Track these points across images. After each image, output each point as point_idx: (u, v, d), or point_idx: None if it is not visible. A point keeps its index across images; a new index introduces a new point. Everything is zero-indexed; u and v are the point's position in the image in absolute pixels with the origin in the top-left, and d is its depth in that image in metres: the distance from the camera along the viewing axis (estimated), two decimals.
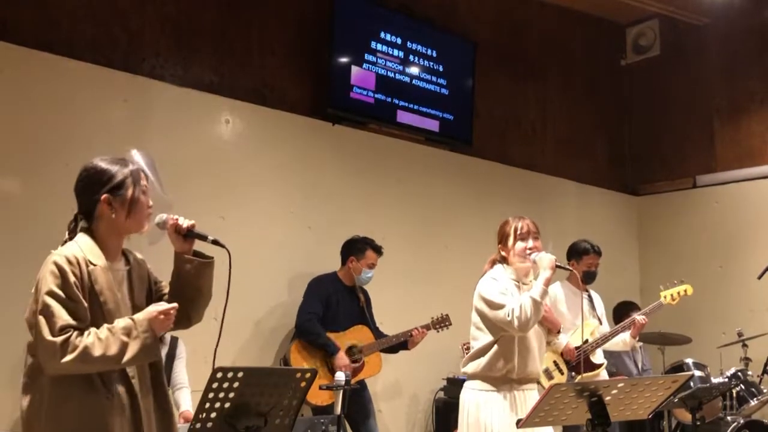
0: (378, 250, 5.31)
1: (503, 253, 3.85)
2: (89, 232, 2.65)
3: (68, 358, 2.41)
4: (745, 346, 5.99)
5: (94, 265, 2.57)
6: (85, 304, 2.50)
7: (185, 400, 4.43)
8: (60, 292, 2.47)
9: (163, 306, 2.58)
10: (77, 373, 2.48)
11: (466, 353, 3.91)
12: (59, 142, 4.64)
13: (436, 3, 6.84)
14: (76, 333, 2.45)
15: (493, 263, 3.91)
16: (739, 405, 5.48)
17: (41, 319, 2.45)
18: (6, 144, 4.45)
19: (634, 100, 8.41)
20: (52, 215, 4.54)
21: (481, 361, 3.73)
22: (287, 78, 5.85)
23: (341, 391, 3.56)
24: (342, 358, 5.01)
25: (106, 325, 2.51)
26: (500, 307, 3.63)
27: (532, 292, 3.64)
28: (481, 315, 3.76)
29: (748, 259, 6.94)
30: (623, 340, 5.13)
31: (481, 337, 3.76)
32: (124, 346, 2.47)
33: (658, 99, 8.20)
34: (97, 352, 2.43)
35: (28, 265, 4.36)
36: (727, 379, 5.40)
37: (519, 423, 3.13)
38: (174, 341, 4.49)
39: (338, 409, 3.55)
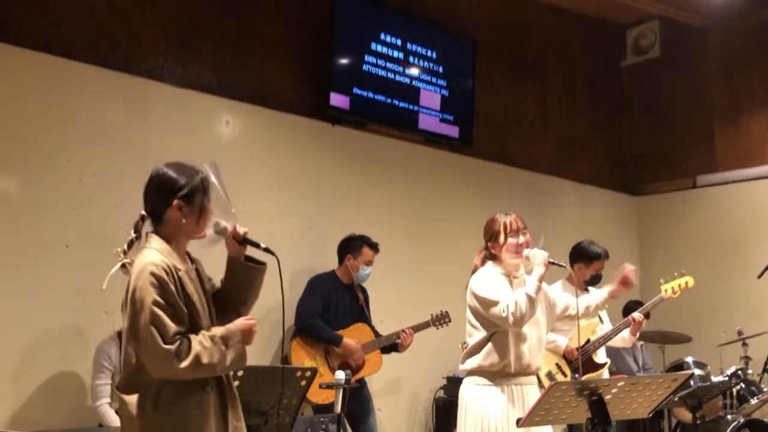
0: (374, 247, 5.32)
1: (493, 251, 3.86)
2: (161, 234, 2.73)
3: (184, 364, 2.52)
4: (745, 344, 6.00)
5: (182, 270, 2.66)
6: (185, 310, 2.60)
7: None
8: (164, 302, 2.56)
9: (252, 320, 2.72)
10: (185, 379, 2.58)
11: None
12: (59, 142, 4.65)
13: (436, 4, 6.85)
14: (184, 340, 2.55)
15: (483, 259, 3.92)
16: (740, 404, 5.48)
17: (152, 329, 2.51)
18: (6, 144, 4.45)
19: (634, 101, 8.41)
20: (52, 215, 4.57)
21: (478, 357, 3.75)
22: (287, 79, 5.85)
23: (341, 390, 3.56)
24: (349, 343, 5.05)
25: (204, 332, 2.61)
26: (494, 303, 3.66)
27: (527, 288, 3.67)
28: (475, 312, 3.78)
29: (748, 258, 6.94)
30: (622, 338, 5.11)
31: (476, 334, 3.78)
32: (223, 355, 2.59)
33: (658, 100, 8.20)
34: (205, 359, 2.54)
35: (29, 265, 4.41)
36: (727, 378, 5.40)
37: (519, 422, 3.13)
38: None
39: (338, 408, 3.55)
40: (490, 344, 3.72)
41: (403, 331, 5.27)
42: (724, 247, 7.40)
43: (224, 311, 2.81)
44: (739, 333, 6.02)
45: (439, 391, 6.09)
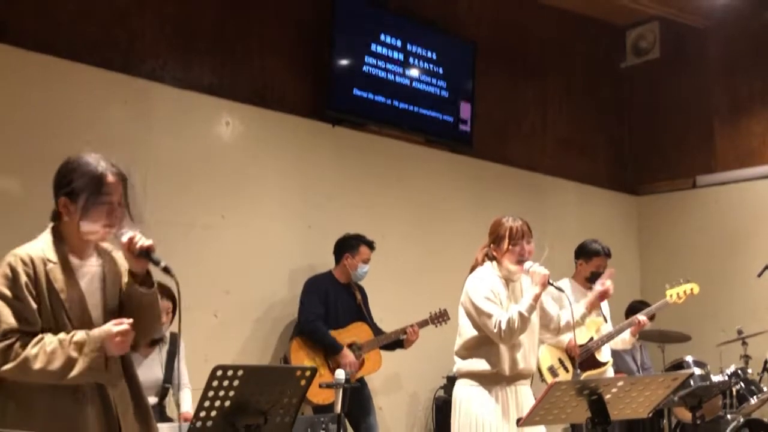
0: (371, 245, 5.36)
1: (494, 253, 3.86)
2: (56, 228, 2.61)
3: (7, 366, 2.36)
4: (744, 344, 6.00)
5: (54, 263, 2.51)
6: (34, 306, 2.44)
7: (186, 400, 4.42)
8: (8, 293, 2.41)
9: (120, 326, 2.48)
10: (20, 381, 2.41)
11: None
12: (59, 143, 4.64)
13: (435, 4, 6.85)
14: (21, 340, 2.38)
15: (485, 257, 3.91)
16: (739, 403, 5.48)
17: None
18: (6, 145, 4.46)
19: (634, 102, 8.42)
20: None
21: (473, 360, 3.76)
22: (287, 80, 5.86)
23: (341, 390, 3.56)
24: (347, 355, 5.07)
25: (59, 336, 2.43)
26: (488, 316, 3.66)
27: (521, 307, 3.65)
28: (468, 313, 3.80)
29: (748, 258, 6.94)
30: (622, 339, 5.12)
31: (470, 332, 3.79)
32: (70, 362, 2.40)
33: (658, 100, 8.21)
34: (37, 364, 2.37)
35: None
36: (727, 378, 5.40)
37: (519, 422, 3.14)
38: (174, 338, 4.47)
39: (338, 408, 3.55)
40: (485, 347, 3.73)
41: (411, 326, 5.29)
42: (723, 246, 7.40)
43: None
44: (739, 332, 6.03)
45: (439, 390, 6.09)
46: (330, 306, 5.20)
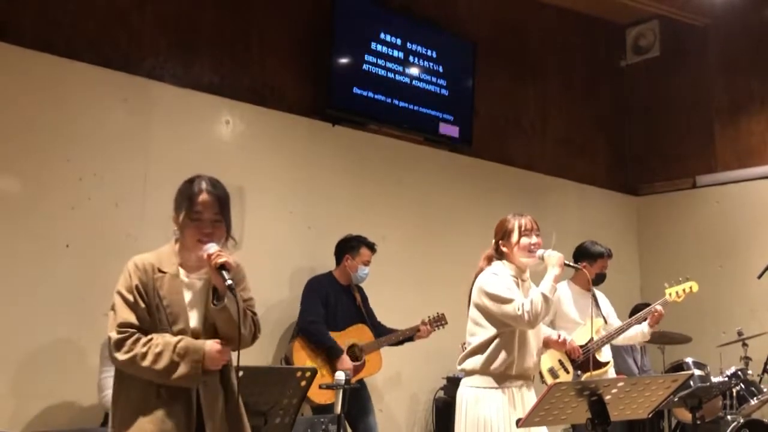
0: (372, 247, 5.34)
1: (504, 249, 3.83)
2: (178, 240, 2.86)
3: (120, 357, 2.64)
4: (745, 345, 6.00)
5: (163, 272, 2.76)
6: (142, 306, 2.70)
7: None
8: (126, 293, 2.71)
9: (224, 348, 2.73)
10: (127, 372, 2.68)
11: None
12: (59, 142, 4.65)
13: (436, 3, 6.85)
14: (135, 335, 2.64)
15: (490, 260, 3.89)
16: (739, 404, 5.48)
17: (110, 314, 2.72)
18: (6, 144, 4.45)
19: (634, 101, 8.42)
20: (52, 215, 4.57)
21: (481, 357, 3.70)
22: (287, 78, 5.85)
23: (341, 391, 3.56)
24: (345, 360, 5.04)
25: (166, 339, 2.66)
26: (509, 301, 3.61)
27: (543, 288, 3.64)
28: (484, 310, 3.72)
29: (748, 258, 6.94)
30: (641, 332, 5.10)
31: (481, 333, 3.73)
32: (173, 365, 2.62)
33: (658, 99, 8.21)
34: (145, 362, 2.61)
35: (29, 265, 4.41)
36: (727, 379, 5.40)
37: (519, 423, 3.13)
38: None
39: (338, 409, 3.55)
40: (494, 345, 3.68)
41: (424, 323, 5.33)
42: (723, 247, 7.40)
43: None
44: (739, 333, 6.02)
45: (439, 391, 6.08)
46: (330, 308, 5.19)
